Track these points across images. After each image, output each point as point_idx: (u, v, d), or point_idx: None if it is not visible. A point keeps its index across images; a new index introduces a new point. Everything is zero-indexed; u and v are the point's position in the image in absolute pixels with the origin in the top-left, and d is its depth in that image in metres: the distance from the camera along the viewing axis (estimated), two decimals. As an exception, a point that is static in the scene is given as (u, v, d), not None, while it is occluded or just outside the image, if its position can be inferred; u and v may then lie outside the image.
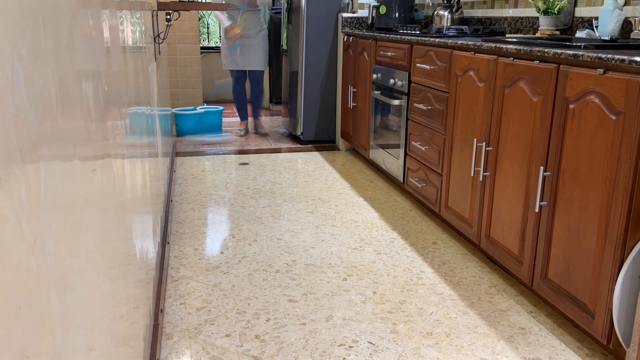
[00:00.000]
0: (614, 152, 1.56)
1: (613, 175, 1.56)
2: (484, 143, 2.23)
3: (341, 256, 2.41)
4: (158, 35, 2.70)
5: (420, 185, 2.89)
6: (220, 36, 7.29)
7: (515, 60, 2.01)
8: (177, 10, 2.60)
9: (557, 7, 2.52)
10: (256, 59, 4.63)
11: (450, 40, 2.51)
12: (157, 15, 2.68)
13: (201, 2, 3.79)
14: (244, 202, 3.10)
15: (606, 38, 2.23)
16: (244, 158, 4.09)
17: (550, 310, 1.99)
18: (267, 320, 1.89)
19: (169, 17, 2.98)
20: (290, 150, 4.35)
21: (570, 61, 1.74)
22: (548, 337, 1.83)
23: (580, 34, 2.40)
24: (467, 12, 3.54)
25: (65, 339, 0.65)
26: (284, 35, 4.79)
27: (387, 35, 3.25)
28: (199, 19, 5.73)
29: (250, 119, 5.18)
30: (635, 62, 1.46)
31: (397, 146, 3.16)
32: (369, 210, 2.99)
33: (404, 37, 3.02)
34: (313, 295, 2.07)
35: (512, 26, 3.07)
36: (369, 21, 4.11)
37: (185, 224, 2.77)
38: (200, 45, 5.79)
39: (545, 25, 2.59)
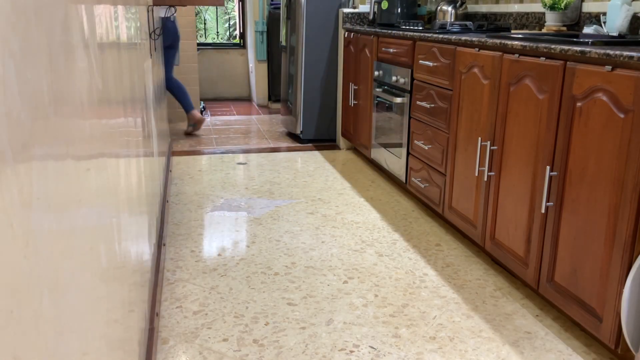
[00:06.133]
0: (622, 151, 1.52)
1: (621, 175, 1.52)
2: (489, 142, 2.18)
3: (342, 258, 2.36)
4: (154, 32, 2.66)
5: (423, 185, 2.84)
6: (217, 32, 7.23)
7: (520, 57, 1.96)
8: (173, 6, 2.55)
9: (564, 3, 2.47)
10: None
11: (454, 37, 2.46)
12: (152, 11, 2.64)
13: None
14: (241, 203, 3.05)
15: (614, 34, 2.18)
16: (242, 157, 4.05)
17: (557, 314, 1.94)
18: (265, 324, 1.85)
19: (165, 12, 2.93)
20: (289, 149, 4.30)
21: (577, 58, 1.69)
22: (554, 342, 1.78)
23: (587, 29, 2.36)
24: (471, 8, 3.49)
25: (58, 343, 0.65)
26: (282, 31, 4.74)
27: (389, 31, 3.20)
28: (196, 15, 5.68)
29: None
30: (647, 58, 1.42)
31: (400, 145, 3.12)
32: (370, 211, 2.94)
33: (406, 33, 2.97)
34: (313, 299, 2.02)
35: (518, 22, 3.02)
36: (371, 17, 4.05)
37: (182, 225, 2.73)
38: (197, 42, 5.74)
39: (551, 21, 2.55)
